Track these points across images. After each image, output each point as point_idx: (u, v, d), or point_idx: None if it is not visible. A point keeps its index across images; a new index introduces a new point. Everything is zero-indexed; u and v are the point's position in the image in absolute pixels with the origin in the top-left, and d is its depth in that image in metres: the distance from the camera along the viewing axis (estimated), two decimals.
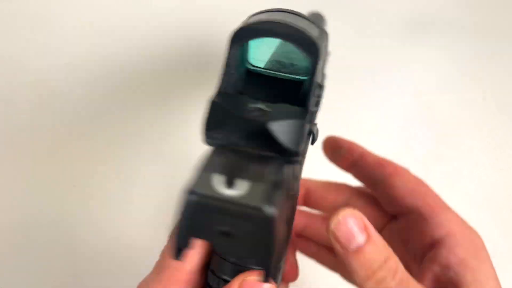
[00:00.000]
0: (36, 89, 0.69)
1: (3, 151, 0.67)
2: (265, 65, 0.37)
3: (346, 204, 0.47)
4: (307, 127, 0.32)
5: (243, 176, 0.26)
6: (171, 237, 0.37)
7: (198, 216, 0.26)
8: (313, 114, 0.35)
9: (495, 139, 0.76)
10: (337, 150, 0.50)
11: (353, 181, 0.50)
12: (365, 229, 0.37)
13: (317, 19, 0.41)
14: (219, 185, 0.26)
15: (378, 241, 0.37)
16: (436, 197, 0.46)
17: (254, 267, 0.34)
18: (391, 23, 0.80)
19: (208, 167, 0.27)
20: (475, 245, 0.43)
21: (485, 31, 0.83)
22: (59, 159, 0.67)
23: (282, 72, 0.37)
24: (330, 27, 0.48)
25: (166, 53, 0.71)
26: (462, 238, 0.43)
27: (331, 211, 0.43)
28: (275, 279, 0.35)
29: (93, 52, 0.70)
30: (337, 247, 0.36)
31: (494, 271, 0.42)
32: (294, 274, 0.49)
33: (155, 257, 0.39)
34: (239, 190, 0.26)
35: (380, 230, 0.46)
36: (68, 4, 0.70)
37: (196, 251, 0.36)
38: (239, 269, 0.35)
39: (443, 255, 0.41)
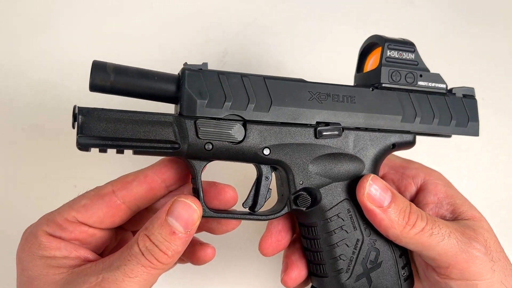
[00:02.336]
0: (37, 90, 0.69)
1: (5, 150, 0.67)
2: None
3: None
4: None
5: None
6: None
7: None
8: None
9: (495, 139, 0.76)
10: None
11: None
12: (387, 188, 0.47)
13: None
14: None
15: (398, 193, 0.47)
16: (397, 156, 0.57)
17: None
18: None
19: None
20: (443, 178, 0.53)
21: (484, 31, 0.83)
22: (60, 160, 0.67)
23: None
24: None
25: None
26: (435, 177, 0.53)
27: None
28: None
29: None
30: (375, 209, 0.46)
31: None
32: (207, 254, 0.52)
33: None
34: None
35: None
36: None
37: None
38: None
39: (432, 195, 0.51)
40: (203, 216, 0.44)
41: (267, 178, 0.48)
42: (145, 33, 0.75)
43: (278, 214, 0.48)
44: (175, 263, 0.55)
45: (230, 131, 0.44)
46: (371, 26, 0.82)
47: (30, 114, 0.68)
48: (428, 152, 0.64)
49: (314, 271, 0.51)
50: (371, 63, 0.54)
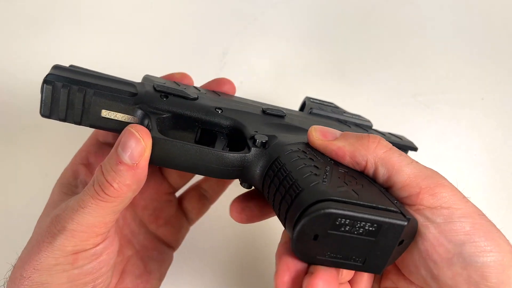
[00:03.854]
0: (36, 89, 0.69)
1: (5, 150, 0.67)
2: None
3: None
4: None
5: None
6: None
7: None
8: None
9: (495, 140, 0.76)
10: None
11: None
12: (331, 129, 0.45)
13: None
14: None
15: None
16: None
17: None
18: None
19: None
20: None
21: (484, 32, 0.83)
22: (61, 160, 0.67)
23: None
24: None
25: None
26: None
27: None
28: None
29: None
30: (331, 142, 0.43)
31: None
32: None
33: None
34: None
35: None
36: None
37: None
38: None
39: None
40: (153, 137, 0.41)
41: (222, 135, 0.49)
42: (145, 33, 0.75)
43: (240, 153, 0.45)
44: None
45: (184, 89, 0.48)
46: (371, 26, 0.82)
47: (30, 114, 0.68)
48: (428, 152, 0.64)
49: (289, 196, 0.41)
50: None
